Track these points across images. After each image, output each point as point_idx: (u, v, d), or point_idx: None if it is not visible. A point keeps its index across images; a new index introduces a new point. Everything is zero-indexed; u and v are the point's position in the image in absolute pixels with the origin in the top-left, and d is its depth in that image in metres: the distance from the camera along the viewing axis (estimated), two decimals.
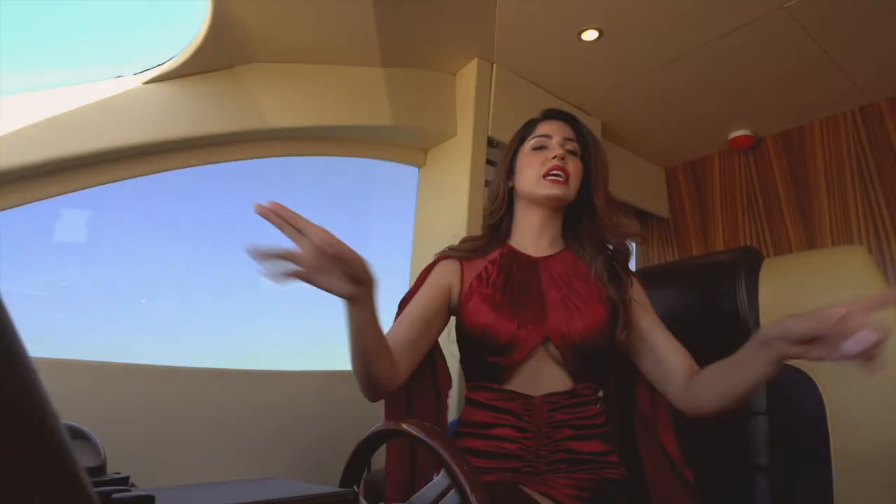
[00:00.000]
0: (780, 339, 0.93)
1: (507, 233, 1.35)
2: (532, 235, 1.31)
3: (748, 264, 1.47)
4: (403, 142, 2.16)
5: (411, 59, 2.04)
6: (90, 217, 1.66)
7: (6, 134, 1.35)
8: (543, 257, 1.28)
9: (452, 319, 1.29)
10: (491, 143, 2.12)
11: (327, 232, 0.90)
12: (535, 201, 1.29)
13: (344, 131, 1.98)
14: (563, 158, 1.26)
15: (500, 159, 1.39)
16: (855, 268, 1.36)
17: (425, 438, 0.77)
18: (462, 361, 1.28)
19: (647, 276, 1.69)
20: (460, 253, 1.30)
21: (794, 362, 1.38)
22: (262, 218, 0.88)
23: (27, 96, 1.43)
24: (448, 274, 1.27)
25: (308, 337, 2.07)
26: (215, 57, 1.68)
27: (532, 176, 1.27)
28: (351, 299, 0.95)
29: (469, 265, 1.28)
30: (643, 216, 3.09)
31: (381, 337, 1.05)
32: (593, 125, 2.50)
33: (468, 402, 1.23)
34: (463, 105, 2.13)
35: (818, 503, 1.26)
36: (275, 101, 1.80)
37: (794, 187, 2.57)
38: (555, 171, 1.24)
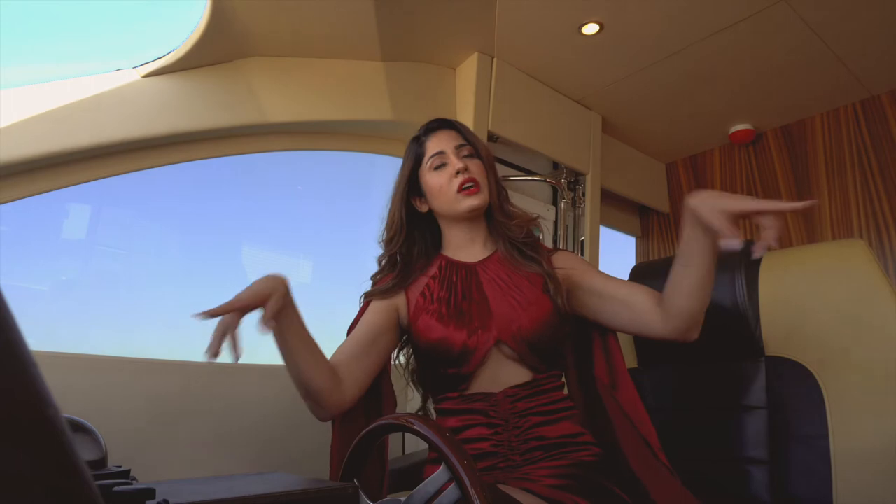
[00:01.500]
0: (708, 213, 1.02)
1: (438, 246, 1.38)
2: (464, 245, 1.34)
3: (748, 257, 1.47)
4: (403, 136, 2.14)
5: (411, 54, 2.04)
6: (90, 211, 1.66)
7: (5, 127, 1.34)
8: (479, 262, 1.31)
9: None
10: (491, 137, 2.12)
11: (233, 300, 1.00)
12: (459, 217, 1.30)
13: (343, 126, 1.98)
14: (466, 169, 1.27)
15: (395, 184, 1.39)
16: (855, 261, 1.36)
17: (425, 432, 0.77)
18: (422, 378, 1.33)
19: (648, 271, 1.69)
20: (395, 285, 1.30)
21: (794, 357, 1.38)
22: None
23: (26, 90, 1.43)
24: (389, 301, 1.29)
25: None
26: (215, 50, 1.67)
27: (447, 195, 1.28)
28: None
29: (410, 285, 1.31)
30: (643, 211, 3.09)
31: (310, 342, 1.10)
32: (594, 119, 2.50)
33: (437, 412, 1.27)
34: (463, 99, 2.13)
35: (818, 497, 1.26)
36: (274, 94, 1.79)
37: (794, 181, 2.57)
38: (467, 184, 1.26)
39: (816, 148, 2.51)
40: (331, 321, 2.12)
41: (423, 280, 1.31)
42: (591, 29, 1.97)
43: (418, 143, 1.37)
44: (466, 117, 2.08)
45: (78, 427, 0.71)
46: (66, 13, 1.61)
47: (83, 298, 1.65)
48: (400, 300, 1.30)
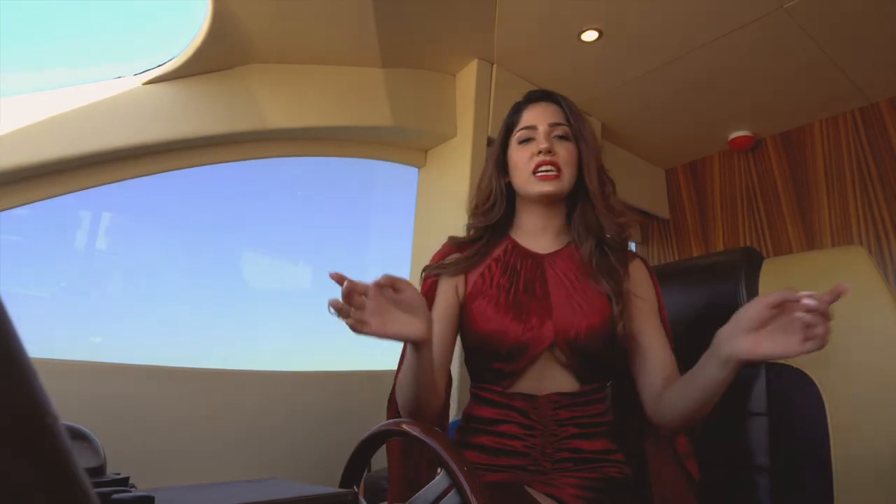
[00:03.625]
0: (731, 334, 0.94)
1: (508, 226, 1.31)
2: (535, 232, 1.27)
3: (748, 265, 1.47)
4: (403, 142, 2.16)
5: (411, 60, 2.04)
6: (90, 217, 1.66)
7: (7, 134, 1.35)
8: (549, 254, 1.24)
9: None
10: (491, 143, 2.12)
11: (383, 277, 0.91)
12: (531, 199, 1.24)
13: (344, 132, 1.98)
14: (549, 152, 1.19)
15: (489, 153, 1.33)
16: (855, 268, 1.36)
17: (425, 438, 0.77)
18: (467, 362, 1.26)
19: None
20: (458, 267, 1.24)
21: (794, 363, 1.38)
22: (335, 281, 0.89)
23: (28, 97, 1.43)
24: (451, 279, 1.24)
25: (307, 338, 2.07)
26: (215, 58, 1.68)
27: (523, 174, 1.22)
28: (421, 342, 0.95)
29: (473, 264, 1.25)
30: (643, 217, 3.09)
31: (433, 371, 1.05)
32: (593, 126, 2.50)
33: (474, 397, 1.22)
34: (463, 106, 2.13)
35: (819, 503, 1.26)
36: (275, 101, 1.80)
37: (794, 188, 2.57)
38: (543, 167, 1.19)
39: (816, 155, 2.52)
40: (331, 326, 2.12)
41: (486, 261, 1.24)
42: (590, 36, 1.98)
43: (515, 110, 1.29)
44: (466, 124, 2.09)
45: (77, 434, 0.71)
46: (66, 21, 1.61)
47: (83, 305, 1.65)
48: (459, 277, 1.24)
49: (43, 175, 1.42)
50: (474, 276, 1.23)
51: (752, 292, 1.46)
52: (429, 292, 1.23)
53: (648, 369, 1.16)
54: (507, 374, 1.14)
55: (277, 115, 1.79)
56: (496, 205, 1.27)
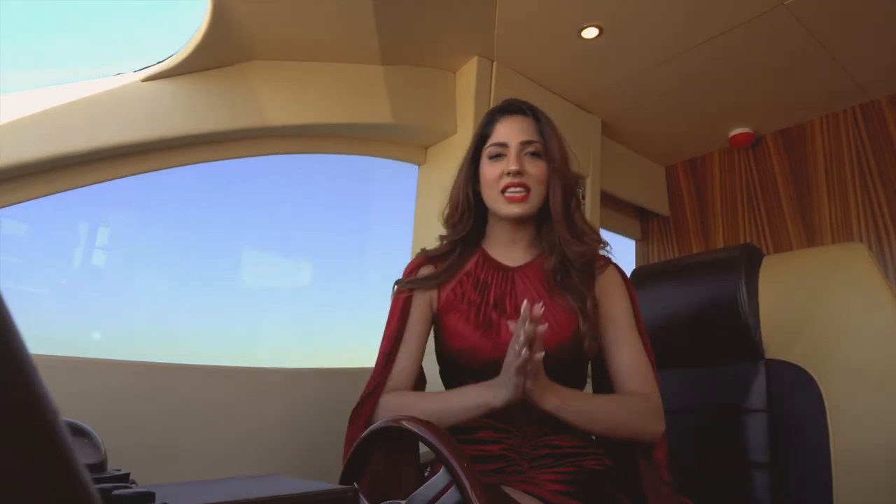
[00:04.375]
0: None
1: (480, 235, 1.31)
2: (505, 244, 1.27)
3: (748, 262, 1.47)
4: (403, 139, 2.15)
5: (411, 57, 2.04)
6: (90, 214, 1.66)
7: (6, 130, 1.35)
8: (519, 267, 1.24)
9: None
10: None
11: (531, 356, 0.94)
12: (499, 216, 1.24)
13: (344, 129, 1.98)
14: (518, 173, 1.17)
15: (461, 161, 1.32)
16: (855, 265, 1.36)
17: (425, 435, 0.77)
18: (441, 375, 1.29)
19: (647, 274, 1.69)
20: (431, 281, 1.24)
21: (794, 360, 1.38)
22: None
23: (27, 94, 1.43)
24: (425, 293, 1.25)
25: (308, 334, 2.07)
26: (215, 54, 1.68)
27: (492, 191, 1.21)
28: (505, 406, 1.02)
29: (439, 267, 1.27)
30: (643, 214, 3.09)
31: None
32: (593, 123, 2.50)
33: None
34: (463, 103, 2.13)
35: (818, 500, 1.26)
36: (275, 98, 1.79)
37: (794, 185, 2.57)
38: (512, 189, 1.18)
39: (816, 151, 2.52)
40: (330, 323, 2.13)
41: (458, 274, 1.25)
42: (590, 33, 1.98)
43: (489, 121, 1.27)
44: (466, 121, 2.08)
45: (77, 431, 0.71)
46: (66, 18, 1.61)
47: (82, 302, 1.65)
48: (433, 291, 1.25)
49: (43, 172, 1.42)
50: (446, 290, 1.24)
51: (752, 289, 1.46)
52: (403, 307, 1.24)
53: (618, 381, 1.18)
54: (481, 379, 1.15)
55: (277, 111, 1.79)
56: (464, 217, 1.26)
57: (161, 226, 1.85)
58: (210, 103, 1.67)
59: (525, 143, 1.21)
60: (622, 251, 3.13)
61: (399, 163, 2.21)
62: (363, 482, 0.89)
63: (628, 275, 1.64)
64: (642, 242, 3.12)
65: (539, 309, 0.92)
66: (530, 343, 0.92)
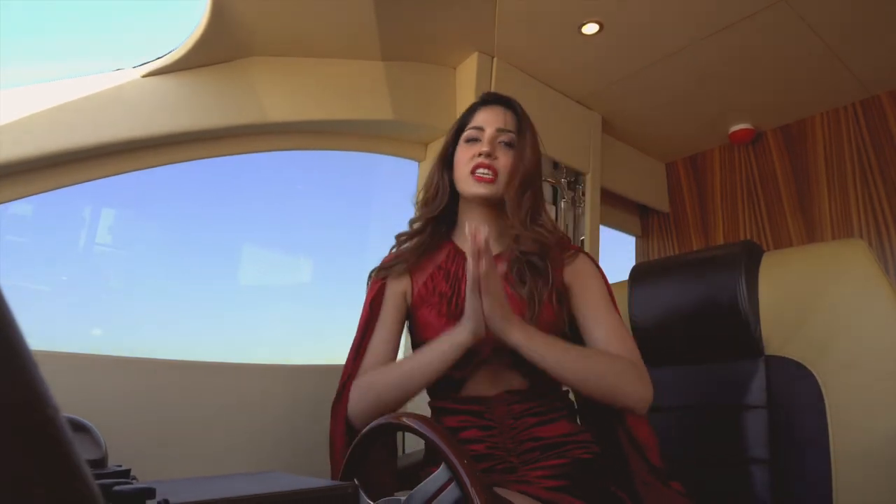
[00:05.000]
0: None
1: (451, 227, 1.32)
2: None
3: (748, 258, 1.47)
4: (403, 136, 2.15)
5: (411, 53, 2.04)
6: (90, 210, 1.66)
7: (5, 126, 1.34)
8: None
9: None
10: None
11: (488, 274, 0.99)
12: (468, 199, 1.25)
13: (344, 125, 1.98)
14: (489, 155, 1.19)
15: (440, 150, 1.33)
16: (855, 261, 1.36)
17: (425, 432, 0.77)
18: None
19: (647, 271, 1.69)
20: (404, 266, 1.26)
21: (794, 357, 1.38)
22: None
23: (26, 89, 1.43)
24: (399, 284, 1.27)
25: (307, 331, 2.07)
26: (215, 50, 1.67)
27: (462, 172, 1.23)
28: (479, 336, 1.05)
29: (417, 268, 1.27)
30: (643, 210, 3.09)
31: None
32: (594, 119, 2.50)
33: (433, 410, 1.24)
34: (463, 99, 2.13)
35: (818, 496, 1.26)
36: (275, 94, 1.79)
37: (794, 181, 2.56)
38: (481, 170, 1.19)
39: (816, 148, 2.51)
40: (329, 320, 2.13)
41: (429, 268, 1.26)
42: (591, 28, 1.97)
43: (470, 110, 1.30)
44: None
45: (78, 426, 0.71)
46: (65, 13, 1.61)
47: (83, 298, 1.65)
48: (406, 283, 1.26)
49: (42, 168, 1.42)
50: (419, 283, 1.25)
51: (752, 286, 1.46)
52: (375, 296, 1.25)
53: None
54: (458, 380, 1.16)
55: (277, 108, 1.79)
56: (438, 196, 1.28)
57: (161, 222, 1.85)
58: (210, 99, 1.67)
59: (501, 131, 1.23)
60: (622, 248, 3.13)
61: (399, 159, 2.21)
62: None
63: (628, 271, 1.64)
64: (642, 239, 3.12)
65: (484, 231, 0.97)
66: (478, 260, 0.96)
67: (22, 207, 1.43)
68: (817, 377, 1.33)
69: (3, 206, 1.39)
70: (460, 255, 1.26)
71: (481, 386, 1.16)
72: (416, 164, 2.25)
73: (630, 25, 1.96)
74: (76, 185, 1.49)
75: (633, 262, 2.90)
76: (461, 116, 1.31)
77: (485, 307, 1.01)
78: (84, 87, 1.48)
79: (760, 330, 1.44)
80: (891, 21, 1.93)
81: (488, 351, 1.13)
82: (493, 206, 1.25)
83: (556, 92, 2.34)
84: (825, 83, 2.31)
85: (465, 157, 1.23)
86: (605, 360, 1.12)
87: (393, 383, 1.13)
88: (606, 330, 1.17)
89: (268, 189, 2.08)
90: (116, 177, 1.55)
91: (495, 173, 1.20)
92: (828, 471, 1.26)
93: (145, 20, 1.74)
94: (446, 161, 1.29)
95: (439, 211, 1.28)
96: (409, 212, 2.21)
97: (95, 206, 1.66)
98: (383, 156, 2.16)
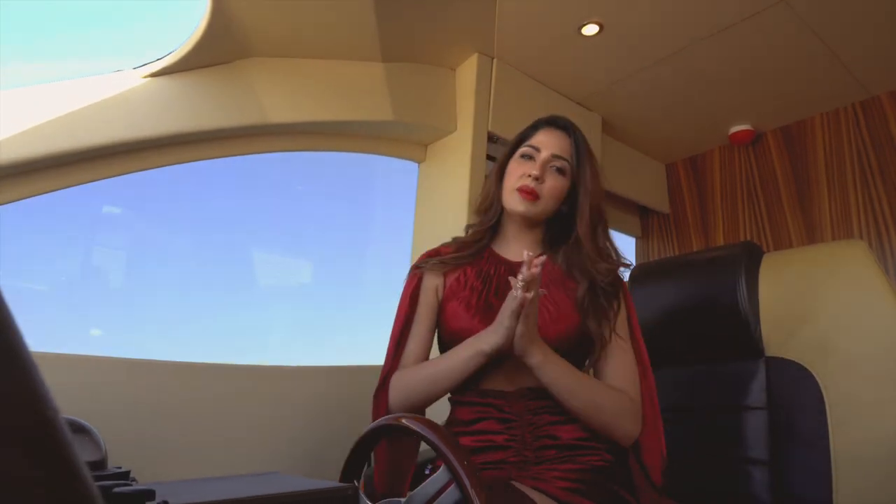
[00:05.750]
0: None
1: (494, 234, 1.36)
2: (509, 241, 1.33)
3: (748, 259, 1.47)
4: (403, 137, 2.15)
5: (411, 54, 2.04)
6: (90, 211, 1.66)
7: (6, 127, 1.34)
8: (521, 262, 1.27)
9: None
10: (491, 138, 2.12)
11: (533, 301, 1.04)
12: (509, 212, 1.30)
13: (344, 126, 1.98)
14: (538, 179, 1.23)
15: (499, 157, 1.38)
16: (855, 262, 1.36)
17: (425, 434, 0.77)
18: None
19: (648, 272, 1.69)
20: (445, 265, 1.30)
21: (794, 357, 1.38)
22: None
23: (27, 90, 1.43)
24: (434, 279, 1.30)
25: (307, 332, 2.07)
26: (215, 51, 1.67)
27: (508, 186, 1.27)
28: (502, 350, 1.09)
29: (451, 269, 1.31)
30: (643, 211, 3.09)
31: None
32: (594, 120, 2.50)
33: (452, 402, 1.26)
34: (463, 100, 2.13)
35: (818, 497, 1.26)
36: (275, 95, 1.79)
37: (794, 182, 2.56)
38: (524, 190, 1.23)
39: (816, 148, 2.51)
40: (330, 320, 2.13)
41: (463, 265, 1.30)
42: (590, 30, 1.97)
43: (533, 126, 1.34)
44: (466, 118, 2.08)
45: (78, 428, 0.71)
46: (66, 14, 1.61)
47: (83, 299, 1.65)
48: (440, 279, 1.30)
49: (42, 169, 1.42)
50: (451, 279, 1.29)
51: (753, 287, 1.46)
52: (413, 291, 1.30)
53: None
54: (479, 374, 1.18)
55: (278, 108, 1.79)
56: (493, 207, 1.33)
57: (161, 223, 1.85)
58: (210, 100, 1.67)
59: (555, 157, 1.27)
60: (622, 248, 3.12)
61: (399, 160, 2.21)
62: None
63: (628, 273, 1.64)
64: (642, 240, 3.12)
65: (541, 260, 1.02)
66: (528, 287, 1.00)
67: (21, 208, 1.43)
68: (817, 378, 1.33)
69: (2, 206, 1.38)
70: (493, 256, 1.31)
71: (501, 381, 1.19)
72: (416, 164, 2.25)
73: (630, 26, 1.97)
74: (77, 186, 1.49)
75: (633, 264, 2.89)
76: (523, 130, 1.35)
77: (518, 330, 1.06)
78: (85, 89, 1.49)
79: (760, 331, 1.44)
80: (890, 22, 1.93)
81: (506, 350, 1.17)
82: (531, 221, 1.30)
83: (555, 93, 2.35)
84: (825, 84, 2.31)
85: (515, 173, 1.27)
86: (607, 395, 1.16)
87: (420, 387, 1.19)
88: (615, 364, 1.21)
89: (267, 190, 2.08)
90: (115, 178, 1.55)
91: (537, 197, 1.24)
92: (828, 471, 1.26)
93: (145, 21, 1.75)
94: (500, 172, 1.33)
95: (493, 222, 1.33)
96: (410, 213, 2.22)
97: (95, 207, 1.66)
98: (384, 157, 2.16)
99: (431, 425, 0.78)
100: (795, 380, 1.36)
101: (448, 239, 1.38)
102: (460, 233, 1.41)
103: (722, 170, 2.84)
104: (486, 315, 1.18)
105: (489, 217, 1.33)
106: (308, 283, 2.17)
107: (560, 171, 1.27)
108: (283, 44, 1.80)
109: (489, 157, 2.08)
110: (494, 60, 2.14)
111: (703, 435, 1.49)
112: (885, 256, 2.26)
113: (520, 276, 1.01)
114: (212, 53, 1.67)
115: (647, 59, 2.15)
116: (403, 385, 1.21)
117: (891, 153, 2.30)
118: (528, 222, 1.30)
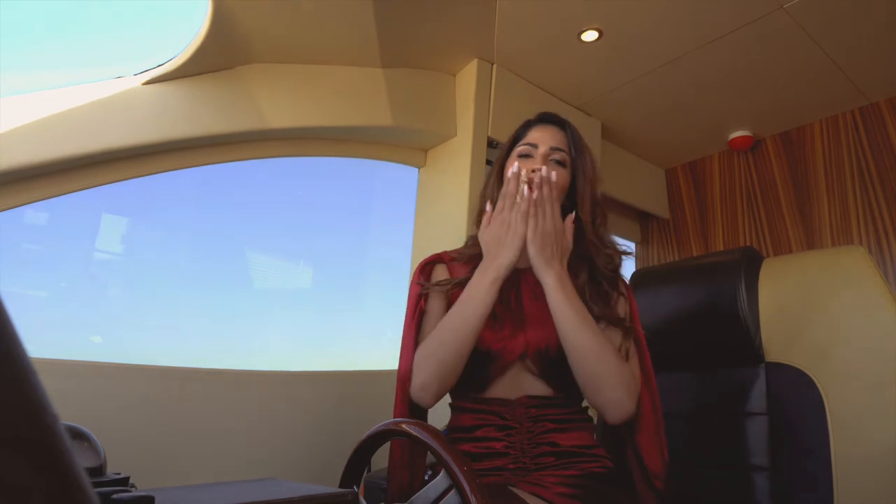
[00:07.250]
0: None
1: None
2: None
3: (748, 265, 1.47)
4: (403, 142, 2.16)
5: (411, 60, 2.04)
6: (90, 217, 1.66)
7: (6, 134, 1.35)
8: (524, 269, 1.24)
9: None
10: (491, 143, 2.12)
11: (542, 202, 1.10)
12: None
13: (344, 132, 1.98)
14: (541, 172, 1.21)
15: (494, 161, 1.37)
16: (854, 268, 1.36)
17: (425, 439, 0.77)
18: None
19: (647, 277, 1.69)
20: (444, 288, 1.27)
21: (794, 363, 1.38)
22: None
23: (27, 97, 1.43)
24: (438, 300, 1.27)
25: (307, 338, 2.07)
26: (215, 57, 1.68)
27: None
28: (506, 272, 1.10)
29: (456, 270, 1.29)
30: (643, 217, 3.09)
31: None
32: (593, 126, 2.50)
33: (453, 408, 1.25)
34: (463, 106, 2.13)
35: (819, 503, 1.26)
36: (274, 101, 1.80)
37: (793, 188, 2.57)
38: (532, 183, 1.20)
39: (815, 154, 2.52)
40: (329, 326, 2.12)
41: (467, 270, 1.27)
42: (590, 36, 1.98)
43: (525, 126, 1.34)
44: (466, 124, 2.09)
45: (77, 434, 0.71)
46: (66, 20, 1.61)
47: (82, 305, 1.65)
48: (444, 301, 1.27)
49: (42, 175, 1.42)
50: (456, 291, 1.25)
51: (752, 292, 1.46)
52: (418, 301, 1.26)
53: None
54: (481, 380, 1.17)
55: (277, 114, 1.79)
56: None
57: (161, 229, 1.85)
58: (210, 106, 1.67)
59: (553, 150, 1.26)
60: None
61: (399, 165, 2.21)
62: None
63: (628, 277, 1.64)
64: (642, 245, 3.12)
65: (545, 170, 1.10)
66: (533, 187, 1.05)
67: (21, 214, 1.43)
68: (818, 384, 1.33)
69: (3, 213, 1.39)
70: None
71: (503, 389, 1.18)
72: (416, 170, 2.26)
73: (630, 33, 1.97)
74: (77, 193, 1.49)
75: (632, 269, 2.90)
76: (515, 132, 1.35)
77: (529, 234, 1.06)
78: (85, 95, 1.49)
79: (761, 336, 1.44)
80: (889, 29, 1.94)
81: (513, 357, 1.16)
82: None
83: (555, 98, 2.35)
84: (824, 90, 2.31)
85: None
86: (612, 352, 1.11)
87: (448, 337, 1.12)
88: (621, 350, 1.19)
89: (266, 195, 2.08)
90: (116, 184, 1.56)
91: None
92: (829, 478, 1.26)
93: (146, 28, 1.75)
94: (499, 175, 1.32)
95: None
96: (410, 218, 2.22)
97: (95, 213, 1.66)
98: (384, 162, 2.17)
99: (430, 430, 0.78)
100: (796, 386, 1.36)
101: (448, 244, 1.38)
102: (460, 237, 1.40)
103: (721, 175, 2.84)
104: (492, 323, 1.17)
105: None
106: (308, 289, 2.17)
107: (560, 163, 1.26)
108: (283, 50, 1.81)
109: (489, 163, 2.08)
110: (494, 66, 2.15)
111: (703, 441, 1.48)
112: (884, 262, 2.26)
113: (522, 181, 1.02)
114: (212, 59, 1.68)
115: (647, 64, 2.16)
116: (425, 355, 1.13)
117: (890, 159, 2.30)
118: None
